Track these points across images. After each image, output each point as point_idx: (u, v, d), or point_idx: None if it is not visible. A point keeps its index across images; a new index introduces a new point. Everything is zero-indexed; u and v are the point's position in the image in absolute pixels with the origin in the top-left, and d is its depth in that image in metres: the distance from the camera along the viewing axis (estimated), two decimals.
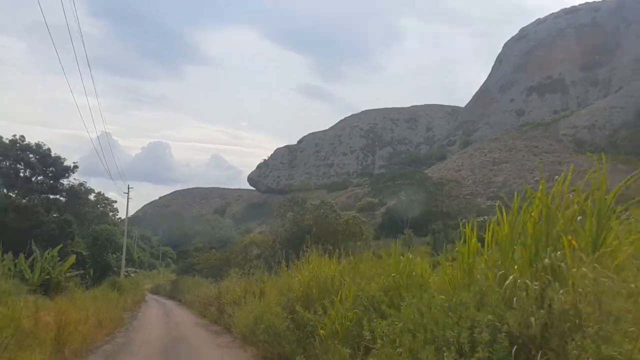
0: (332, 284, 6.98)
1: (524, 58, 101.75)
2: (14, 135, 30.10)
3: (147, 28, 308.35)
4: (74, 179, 32.41)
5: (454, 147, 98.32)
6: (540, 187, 4.92)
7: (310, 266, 7.66)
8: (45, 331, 8.25)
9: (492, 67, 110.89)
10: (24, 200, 28.97)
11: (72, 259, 25.57)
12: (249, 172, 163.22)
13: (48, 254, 24.59)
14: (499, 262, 4.64)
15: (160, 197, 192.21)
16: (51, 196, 31.42)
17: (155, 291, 40.43)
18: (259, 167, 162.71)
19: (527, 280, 3.95)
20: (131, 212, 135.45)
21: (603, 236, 4.42)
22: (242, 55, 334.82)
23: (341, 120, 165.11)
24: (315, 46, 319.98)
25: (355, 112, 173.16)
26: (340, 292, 6.29)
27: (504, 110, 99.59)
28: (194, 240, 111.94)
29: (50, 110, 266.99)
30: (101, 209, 38.96)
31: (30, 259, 23.71)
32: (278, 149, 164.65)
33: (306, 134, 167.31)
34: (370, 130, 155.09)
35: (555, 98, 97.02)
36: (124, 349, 10.26)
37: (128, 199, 35.14)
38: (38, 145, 30.56)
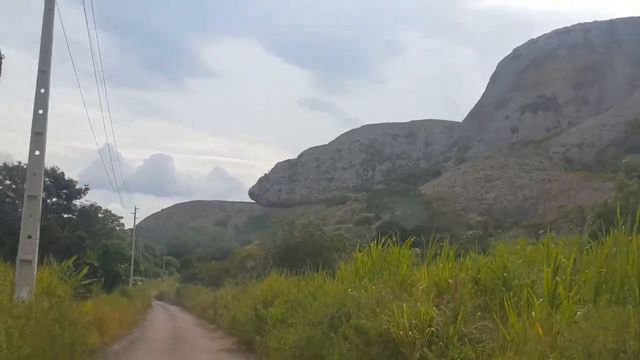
0: (280, 292, 10.26)
1: (518, 77, 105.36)
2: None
3: (150, 40, 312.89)
4: (86, 200, 35.70)
5: (449, 163, 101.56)
6: None
7: (269, 281, 10.99)
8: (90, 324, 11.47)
9: (487, 85, 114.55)
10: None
11: (86, 269, 28.81)
12: (250, 184, 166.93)
13: (64, 264, 27.93)
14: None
15: (162, 209, 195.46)
16: (65, 215, 34.63)
17: (160, 298, 43.65)
18: (259, 181, 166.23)
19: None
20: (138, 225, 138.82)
21: None
22: (245, 68, 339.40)
23: (341, 135, 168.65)
24: (317, 59, 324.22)
25: (356, 127, 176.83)
26: (281, 297, 9.57)
27: (498, 128, 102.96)
28: (195, 251, 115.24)
29: (53, 122, 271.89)
30: (109, 224, 42.28)
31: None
32: (279, 163, 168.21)
33: (308, 146, 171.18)
34: (370, 145, 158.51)
35: (548, 116, 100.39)
36: (141, 339, 13.47)
37: (135, 218, 38.45)
38: (52, 170, 33.86)
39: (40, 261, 30.45)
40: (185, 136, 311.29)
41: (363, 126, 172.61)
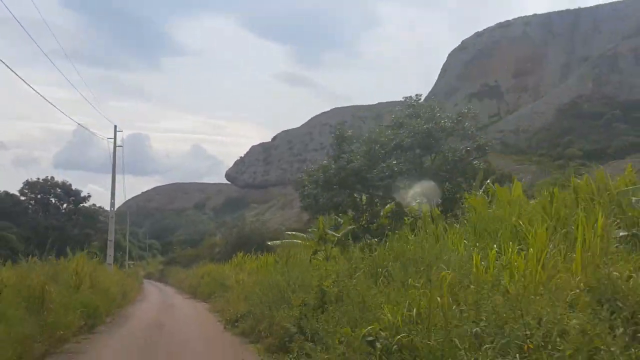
0: (209, 272, 22.46)
1: (465, 67, 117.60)
2: (46, 176, 44.98)
3: (122, 19, 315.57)
4: (92, 204, 47.75)
5: None
6: None
7: (206, 267, 23.30)
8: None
9: (439, 75, 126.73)
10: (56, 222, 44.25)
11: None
12: (230, 161, 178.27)
13: (77, 254, 39.92)
14: None
15: (142, 192, 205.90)
16: (74, 217, 46.63)
17: (148, 277, 55.59)
18: (236, 163, 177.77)
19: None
20: (116, 207, 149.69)
21: None
22: (221, 45, 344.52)
23: (312, 118, 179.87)
24: (293, 34, 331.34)
25: (337, 102, 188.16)
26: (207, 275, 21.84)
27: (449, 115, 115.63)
28: (176, 233, 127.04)
29: (27, 104, 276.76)
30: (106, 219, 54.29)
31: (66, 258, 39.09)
32: (253, 146, 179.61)
33: (287, 122, 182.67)
34: (339, 128, 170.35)
35: (492, 103, 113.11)
36: (145, 300, 25.63)
37: (128, 220, 49.75)
38: (63, 183, 45.73)
39: (59, 253, 42.96)
40: (163, 115, 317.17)
41: (332, 109, 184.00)
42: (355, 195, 16.69)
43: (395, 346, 4.70)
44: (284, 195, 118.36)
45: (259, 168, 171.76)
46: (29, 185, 44.42)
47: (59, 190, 45.51)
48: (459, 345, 4.06)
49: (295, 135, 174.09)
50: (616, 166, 77.22)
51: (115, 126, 33.80)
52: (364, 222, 14.63)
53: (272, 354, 7.01)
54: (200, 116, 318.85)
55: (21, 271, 9.96)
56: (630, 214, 6.26)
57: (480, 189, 12.15)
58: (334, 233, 12.75)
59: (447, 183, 15.89)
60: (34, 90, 21.21)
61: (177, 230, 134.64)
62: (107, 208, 44.68)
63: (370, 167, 16.38)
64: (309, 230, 14.47)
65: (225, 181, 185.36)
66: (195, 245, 63.90)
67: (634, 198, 6.31)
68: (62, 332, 7.61)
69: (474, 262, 5.50)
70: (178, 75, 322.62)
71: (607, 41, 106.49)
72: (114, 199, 33.03)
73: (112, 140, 32.67)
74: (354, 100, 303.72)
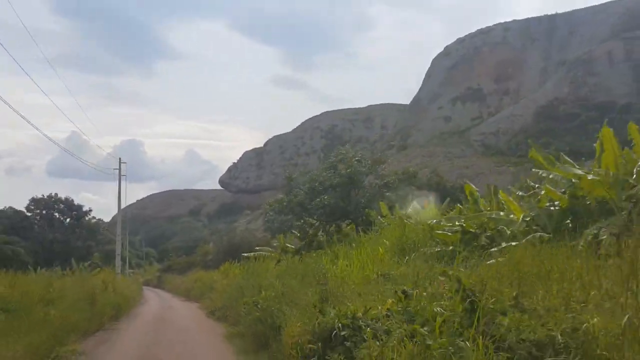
0: (201, 278, 27.02)
1: (449, 72, 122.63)
2: (50, 193, 49.45)
3: (115, 23, 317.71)
4: (93, 217, 52.26)
5: (392, 151, 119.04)
6: None
7: (198, 274, 27.80)
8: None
9: (423, 81, 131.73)
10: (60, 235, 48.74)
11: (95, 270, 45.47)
12: (225, 165, 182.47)
13: (81, 265, 44.34)
14: None
15: (137, 200, 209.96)
16: (76, 230, 51.11)
17: (146, 284, 60.01)
18: (229, 169, 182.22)
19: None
20: (111, 215, 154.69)
21: None
22: (212, 49, 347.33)
23: (303, 122, 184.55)
24: (286, 37, 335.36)
25: (331, 104, 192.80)
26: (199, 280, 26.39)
27: (433, 118, 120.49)
28: (172, 240, 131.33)
29: (19, 111, 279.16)
30: (106, 232, 58.92)
31: (72, 270, 43.51)
32: (246, 151, 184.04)
33: (282, 125, 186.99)
34: (330, 131, 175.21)
35: (474, 106, 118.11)
36: (147, 303, 30.16)
37: (127, 231, 54.30)
38: (66, 199, 50.21)
39: (64, 265, 47.58)
40: (156, 120, 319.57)
41: (323, 113, 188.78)
42: (302, 220, 21.29)
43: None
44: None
45: (251, 173, 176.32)
46: (35, 202, 48.85)
47: (62, 205, 50.00)
48: None
49: (287, 140, 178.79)
50: (590, 165, 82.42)
51: (120, 158, 38.30)
52: (307, 240, 19.13)
53: (232, 326, 11.53)
54: (194, 120, 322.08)
55: (76, 279, 14.60)
56: (437, 237, 10.90)
57: (382, 217, 16.66)
58: (291, 246, 17.42)
59: (366, 210, 20.45)
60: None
61: (172, 238, 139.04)
62: (101, 215, 48.84)
63: (311, 200, 21.03)
64: (274, 244, 19.14)
65: (220, 187, 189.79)
66: (190, 253, 68.41)
67: (438, 228, 10.92)
68: (103, 318, 12.07)
69: (340, 268, 10.12)
70: (172, 80, 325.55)
71: (583, 45, 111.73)
72: (120, 220, 37.56)
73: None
74: (347, 102, 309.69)
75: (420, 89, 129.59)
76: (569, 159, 9.75)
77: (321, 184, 21.73)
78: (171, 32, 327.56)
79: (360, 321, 5.99)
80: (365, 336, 5.56)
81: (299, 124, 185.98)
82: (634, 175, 7.34)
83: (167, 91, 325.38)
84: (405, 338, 4.94)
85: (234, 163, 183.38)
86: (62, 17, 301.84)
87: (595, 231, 7.05)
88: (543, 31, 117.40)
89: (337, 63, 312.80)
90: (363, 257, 9.87)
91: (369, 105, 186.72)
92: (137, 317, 17.79)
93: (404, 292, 6.04)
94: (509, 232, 8.55)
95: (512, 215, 9.14)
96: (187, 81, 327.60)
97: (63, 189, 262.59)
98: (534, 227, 8.15)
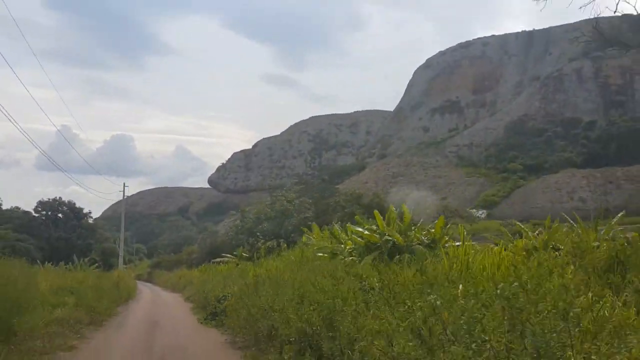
0: (185, 275, 34.72)
1: (429, 84, 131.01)
2: (55, 197, 57.00)
3: (106, 18, 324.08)
4: (91, 218, 59.80)
5: (372, 159, 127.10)
6: None
7: (182, 271, 35.57)
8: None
9: (405, 90, 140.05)
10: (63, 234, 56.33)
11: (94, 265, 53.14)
12: (214, 162, 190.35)
13: (81, 261, 51.99)
14: None
15: (127, 197, 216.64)
16: (77, 230, 58.65)
17: (138, 278, 67.74)
18: (218, 169, 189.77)
19: None
20: (101, 211, 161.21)
21: None
22: (204, 45, 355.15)
23: (291, 126, 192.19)
24: (278, 35, 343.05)
25: (321, 103, 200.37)
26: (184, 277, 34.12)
27: (413, 128, 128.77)
28: (161, 238, 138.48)
29: (8, 104, 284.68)
30: (105, 233, 66.53)
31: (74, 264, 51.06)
32: (235, 153, 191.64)
33: (271, 122, 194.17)
34: (317, 135, 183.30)
35: (452, 118, 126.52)
36: (142, 293, 37.86)
37: (122, 234, 62.17)
38: (69, 202, 57.77)
39: (68, 261, 55.14)
40: (146, 115, 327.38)
41: (310, 117, 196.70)
42: (251, 238, 29.20)
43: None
44: (259, 204, 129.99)
45: (240, 174, 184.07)
46: (41, 204, 56.37)
47: (66, 208, 57.56)
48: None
49: (275, 143, 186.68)
50: (548, 179, 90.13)
51: (124, 183, 45.99)
52: (254, 252, 27.01)
53: (199, 309, 19.43)
54: (184, 116, 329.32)
55: (101, 274, 22.42)
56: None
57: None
58: (245, 255, 25.35)
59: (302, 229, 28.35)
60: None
61: (161, 235, 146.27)
62: (89, 209, 57.78)
63: (257, 225, 28.93)
64: (234, 253, 27.05)
65: (208, 185, 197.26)
66: (177, 251, 76.00)
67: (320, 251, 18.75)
68: (123, 298, 19.77)
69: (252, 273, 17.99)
70: (162, 76, 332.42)
71: (555, 62, 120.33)
72: (122, 235, 45.48)
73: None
74: (337, 100, 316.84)
75: (402, 98, 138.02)
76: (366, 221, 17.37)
77: (265, 214, 29.72)
78: (163, 28, 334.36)
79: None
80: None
81: (287, 127, 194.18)
82: (387, 232, 15.16)
83: (157, 87, 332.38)
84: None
85: (222, 164, 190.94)
86: (53, 11, 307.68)
87: (373, 257, 14.89)
88: (520, 47, 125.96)
89: (329, 62, 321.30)
90: (276, 264, 17.63)
91: (355, 111, 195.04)
92: (139, 299, 25.59)
93: (256, 275, 13.83)
94: (340, 253, 16.38)
95: (343, 245, 16.98)
96: (178, 77, 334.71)
97: (51, 182, 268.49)
98: (353, 252, 15.98)
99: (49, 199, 56.34)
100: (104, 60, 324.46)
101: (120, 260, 44.50)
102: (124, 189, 45.10)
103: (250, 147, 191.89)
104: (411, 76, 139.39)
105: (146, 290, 38.17)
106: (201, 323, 15.14)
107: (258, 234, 28.31)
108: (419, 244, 14.81)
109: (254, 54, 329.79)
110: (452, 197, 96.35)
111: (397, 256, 13.41)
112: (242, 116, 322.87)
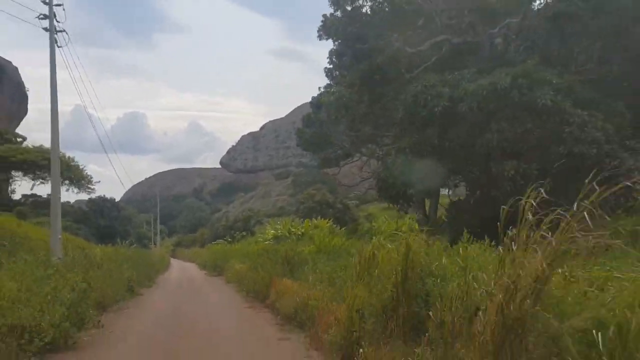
0: (199, 252, 55.34)
1: None
2: (99, 195, 78.31)
3: None
4: (124, 208, 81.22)
5: None
6: None
7: (197, 249, 56.23)
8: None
9: None
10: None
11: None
12: (227, 137, 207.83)
13: (123, 242, 73.44)
14: None
15: (145, 179, 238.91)
16: (118, 219, 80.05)
17: None
18: (228, 151, 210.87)
19: None
20: (122, 194, 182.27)
21: None
22: (214, 20, 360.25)
23: (295, 108, 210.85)
24: (286, 7, 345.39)
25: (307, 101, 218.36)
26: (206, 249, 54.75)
27: None
28: (178, 218, 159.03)
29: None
30: (135, 219, 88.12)
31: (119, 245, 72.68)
32: (243, 135, 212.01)
33: (282, 96, 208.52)
34: None
35: None
36: (173, 265, 58.76)
37: (158, 225, 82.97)
38: (111, 198, 79.08)
39: (114, 243, 77.20)
40: (158, 93, 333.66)
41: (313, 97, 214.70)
42: (232, 232, 49.35)
43: None
44: (266, 185, 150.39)
45: (249, 155, 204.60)
46: (91, 201, 77.51)
47: (108, 203, 78.89)
48: None
49: (281, 125, 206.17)
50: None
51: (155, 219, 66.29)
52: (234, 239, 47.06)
53: (204, 268, 39.64)
54: (195, 93, 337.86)
55: (147, 251, 43.38)
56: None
57: None
58: (230, 240, 46.16)
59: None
60: None
61: (178, 216, 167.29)
62: (111, 192, 79.26)
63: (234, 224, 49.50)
64: (225, 238, 47.89)
65: (220, 166, 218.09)
66: (193, 231, 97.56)
67: None
68: (164, 267, 40.27)
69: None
70: (172, 53, 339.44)
71: None
72: (156, 237, 65.96)
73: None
74: None
75: None
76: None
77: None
78: (172, 6, 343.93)
79: None
80: None
81: (292, 109, 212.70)
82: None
83: (168, 64, 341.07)
84: None
85: (233, 145, 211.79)
86: None
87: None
88: None
89: None
90: (241, 245, 37.94)
91: None
92: (173, 265, 46.55)
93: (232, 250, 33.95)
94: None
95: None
96: (188, 53, 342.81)
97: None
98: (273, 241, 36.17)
99: (97, 196, 76.86)
100: (114, 38, 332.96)
101: (156, 239, 65.68)
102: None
103: (258, 129, 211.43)
104: None
105: (175, 262, 59.06)
106: (205, 274, 35.62)
107: (236, 232, 48.67)
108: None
109: (263, 28, 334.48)
110: None
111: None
112: (252, 90, 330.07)
